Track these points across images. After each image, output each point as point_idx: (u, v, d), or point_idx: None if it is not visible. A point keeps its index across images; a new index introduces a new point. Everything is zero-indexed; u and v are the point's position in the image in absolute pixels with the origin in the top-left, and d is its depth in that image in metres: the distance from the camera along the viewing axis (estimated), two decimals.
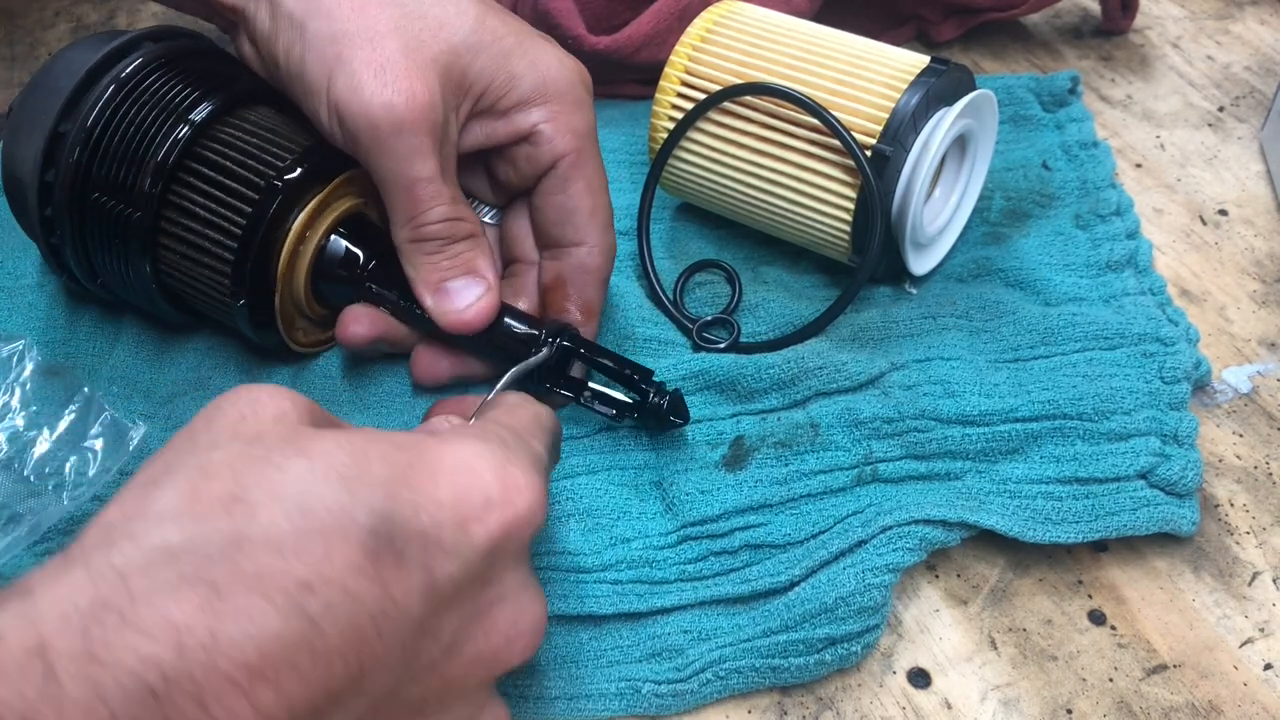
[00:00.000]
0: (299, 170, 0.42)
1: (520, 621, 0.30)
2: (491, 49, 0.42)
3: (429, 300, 0.42)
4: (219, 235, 0.42)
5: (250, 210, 0.41)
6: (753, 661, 0.38)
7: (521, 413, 0.35)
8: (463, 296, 0.42)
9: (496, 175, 0.46)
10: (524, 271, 0.46)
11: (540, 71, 0.43)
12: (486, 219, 0.48)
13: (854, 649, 0.38)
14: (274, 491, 0.26)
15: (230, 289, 0.42)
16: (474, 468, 0.29)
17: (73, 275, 0.46)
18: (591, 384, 0.44)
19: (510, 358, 0.42)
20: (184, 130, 0.42)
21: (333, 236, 0.44)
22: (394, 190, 0.41)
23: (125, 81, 0.43)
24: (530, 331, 0.43)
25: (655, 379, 0.43)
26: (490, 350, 0.44)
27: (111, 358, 0.49)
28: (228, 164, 0.42)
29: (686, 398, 0.46)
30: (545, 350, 0.42)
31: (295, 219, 0.42)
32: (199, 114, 0.42)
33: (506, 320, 0.43)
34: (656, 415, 0.42)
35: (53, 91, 0.43)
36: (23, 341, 0.47)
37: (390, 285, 0.44)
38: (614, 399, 0.43)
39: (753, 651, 0.38)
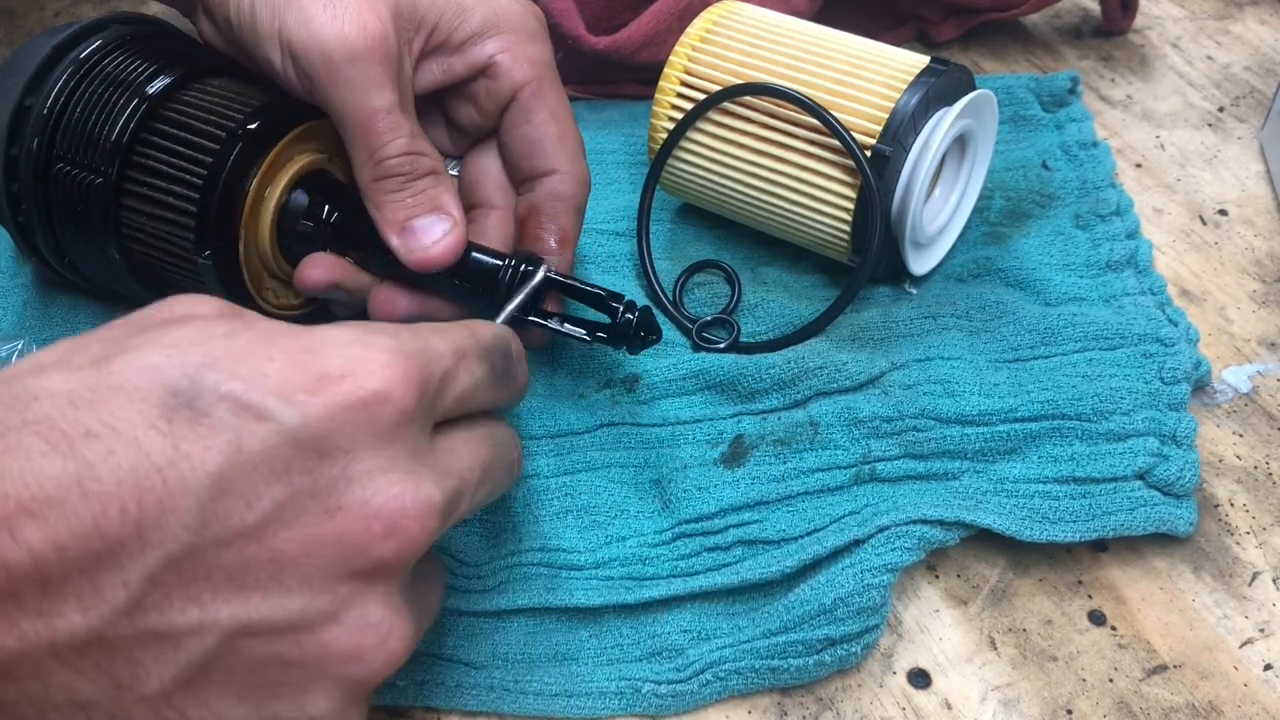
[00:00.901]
0: (259, 121, 0.42)
1: (374, 504, 0.27)
2: None
3: (395, 239, 0.42)
4: (182, 189, 0.42)
5: (211, 160, 0.41)
6: (752, 662, 0.38)
7: (450, 328, 0.33)
8: (429, 233, 0.41)
9: (457, 119, 0.46)
10: (483, 216, 0.46)
11: (491, 4, 0.43)
12: (450, 171, 0.48)
13: (853, 650, 0.38)
14: (102, 362, 0.26)
15: (195, 242, 0.42)
16: (316, 349, 0.28)
17: (43, 257, 0.47)
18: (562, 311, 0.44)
19: (476, 294, 0.42)
20: (151, 90, 0.43)
21: (295, 191, 0.44)
22: (353, 125, 0.40)
23: (90, 57, 0.43)
24: (496, 263, 0.42)
25: (625, 299, 0.42)
26: (456, 288, 0.43)
27: None
28: (190, 121, 0.42)
29: (686, 397, 0.46)
30: (536, 279, 0.42)
31: (257, 169, 0.42)
32: (163, 79, 0.43)
33: (473, 256, 0.43)
34: (626, 333, 0.42)
35: (17, 72, 0.44)
36: (21, 341, 0.47)
37: (354, 237, 0.43)
38: (584, 320, 0.43)
39: (752, 653, 0.38)
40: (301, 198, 0.44)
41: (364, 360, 0.28)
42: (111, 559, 0.24)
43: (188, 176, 0.42)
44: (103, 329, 0.29)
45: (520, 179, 0.46)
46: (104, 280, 0.47)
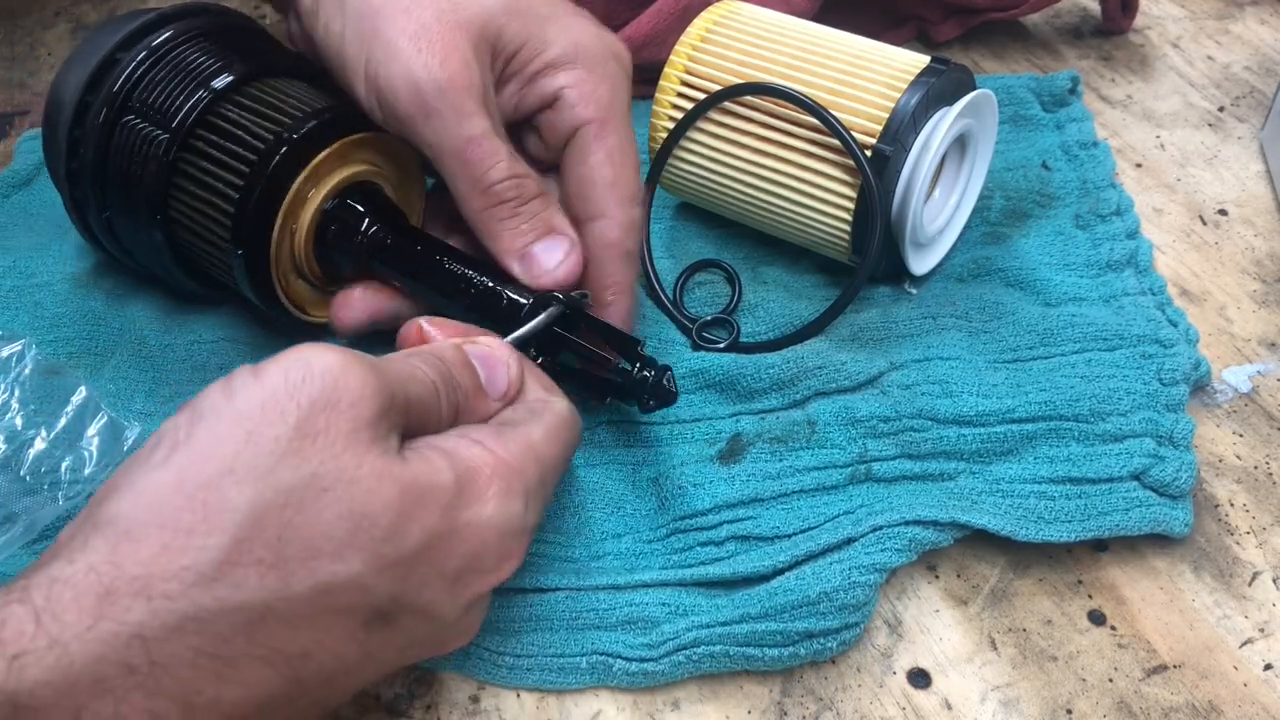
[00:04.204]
0: (309, 125, 0.42)
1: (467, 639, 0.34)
2: (526, 14, 0.42)
3: (516, 267, 0.41)
4: (229, 174, 0.42)
5: (255, 159, 0.42)
6: (727, 648, 0.38)
7: (564, 437, 0.36)
8: (550, 257, 0.41)
9: (526, 149, 0.45)
10: None
11: (573, 38, 0.43)
12: None
13: (830, 645, 0.38)
14: (311, 563, 0.28)
15: (230, 237, 0.42)
16: (487, 541, 0.32)
17: (81, 213, 0.47)
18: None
19: (508, 329, 0.41)
20: (222, 78, 0.44)
21: (339, 200, 0.44)
22: (449, 157, 0.40)
23: (184, 29, 0.45)
24: (520, 300, 0.42)
25: (646, 352, 0.41)
26: (491, 322, 0.42)
27: (114, 357, 0.49)
28: (247, 115, 0.43)
29: (686, 396, 0.46)
30: (547, 313, 0.41)
31: (301, 172, 0.42)
32: (236, 70, 0.44)
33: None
34: (640, 390, 0.40)
35: (115, 30, 0.45)
36: (23, 342, 0.47)
37: (393, 258, 0.43)
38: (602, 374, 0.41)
39: (729, 637, 0.38)
40: (345, 207, 0.44)
41: (511, 554, 0.33)
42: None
43: (235, 163, 0.42)
44: (281, 460, 0.28)
45: (573, 219, 0.44)
46: (139, 252, 0.47)
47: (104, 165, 0.45)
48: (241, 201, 0.42)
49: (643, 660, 0.38)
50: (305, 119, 0.42)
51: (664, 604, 0.39)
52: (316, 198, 0.43)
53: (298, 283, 0.46)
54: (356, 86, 0.41)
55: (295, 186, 0.43)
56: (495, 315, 0.42)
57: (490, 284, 0.42)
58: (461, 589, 0.31)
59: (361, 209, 0.44)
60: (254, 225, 0.42)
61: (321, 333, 0.47)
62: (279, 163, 0.42)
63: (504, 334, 0.40)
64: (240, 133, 0.43)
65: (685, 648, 0.38)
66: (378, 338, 0.45)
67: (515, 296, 0.42)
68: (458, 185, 0.41)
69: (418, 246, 0.44)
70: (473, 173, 0.40)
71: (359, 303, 0.44)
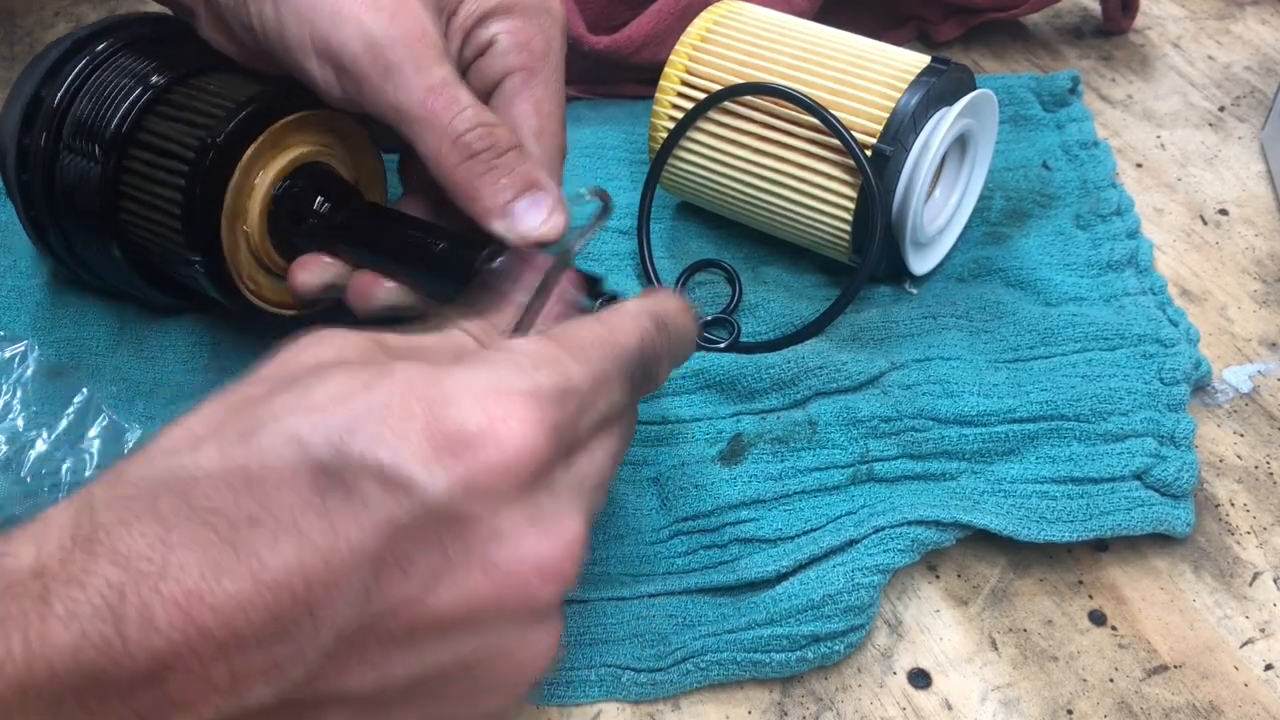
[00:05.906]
0: (237, 119, 0.41)
1: (528, 558, 0.28)
2: None
3: (499, 225, 0.39)
4: (168, 190, 0.42)
5: (190, 162, 0.41)
6: (734, 655, 0.38)
7: (580, 333, 0.31)
8: (534, 214, 0.39)
9: None
10: None
11: None
12: None
13: (836, 648, 0.38)
14: (251, 435, 0.27)
15: (182, 242, 0.42)
16: (454, 400, 0.28)
17: (54, 253, 0.47)
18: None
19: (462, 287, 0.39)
20: (150, 84, 0.43)
21: (289, 182, 0.43)
22: (412, 113, 0.38)
23: (103, 51, 0.44)
24: (473, 255, 0.39)
25: (605, 289, 0.39)
26: (451, 283, 0.40)
27: (114, 358, 0.49)
28: (176, 123, 0.42)
29: (686, 396, 0.46)
30: (601, 215, 0.38)
31: (240, 162, 0.41)
32: (165, 74, 0.43)
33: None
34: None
35: (38, 65, 0.45)
36: (26, 343, 0.47)
37: (352, 235, 0.42)
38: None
39: (735, 644, 0.38)
40: (291, 193, 0.43)
41: (503, 417, 0.28)
42: (289, 640, 0.26)
43: (171, 177, 0.42)
44: (249, 381, 0.29)
45: None
46: (110, 276, 0.47)
47: (54, 205, 0.45)
48: (185, 217, 0.41)
49: (651, 670, 0.38)
50: (229, 116, 0.41)
51: (671, 615, 0.40)
52: (260, 191, 0.42)
53: (268, 280, 0.45)
54: (307, 64, 0.39)
55: (232, 187, 0.41)
56: (454, 277, 0.40)
57: (446, 246, 0.40)
58: (441, 460, 0.27)
59: (308, 191, 0.43)
60: (203, 235, 0.42)
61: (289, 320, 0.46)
62: (210, 169, 0.41)
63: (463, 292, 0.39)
64: (169, 144, 0.42)
65: (693, 656, 0.38)
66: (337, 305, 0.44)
67: (469, 255, 0.40)
68: (427, 144, 0.39)
69: (370, 220, 0.43)
70: (439, 123, 0.38)
71: (314, 265, 0.42)
